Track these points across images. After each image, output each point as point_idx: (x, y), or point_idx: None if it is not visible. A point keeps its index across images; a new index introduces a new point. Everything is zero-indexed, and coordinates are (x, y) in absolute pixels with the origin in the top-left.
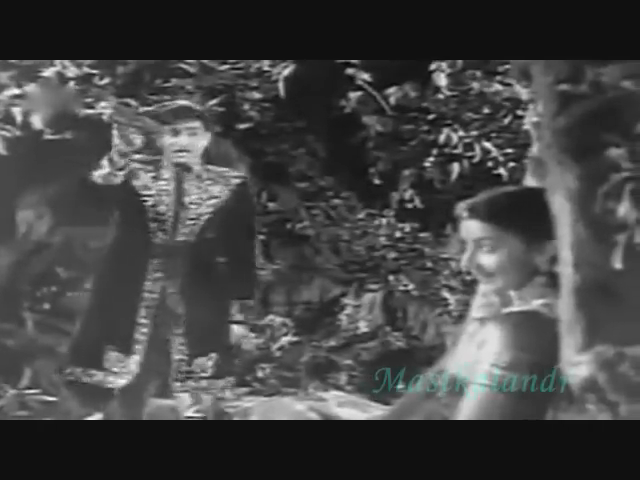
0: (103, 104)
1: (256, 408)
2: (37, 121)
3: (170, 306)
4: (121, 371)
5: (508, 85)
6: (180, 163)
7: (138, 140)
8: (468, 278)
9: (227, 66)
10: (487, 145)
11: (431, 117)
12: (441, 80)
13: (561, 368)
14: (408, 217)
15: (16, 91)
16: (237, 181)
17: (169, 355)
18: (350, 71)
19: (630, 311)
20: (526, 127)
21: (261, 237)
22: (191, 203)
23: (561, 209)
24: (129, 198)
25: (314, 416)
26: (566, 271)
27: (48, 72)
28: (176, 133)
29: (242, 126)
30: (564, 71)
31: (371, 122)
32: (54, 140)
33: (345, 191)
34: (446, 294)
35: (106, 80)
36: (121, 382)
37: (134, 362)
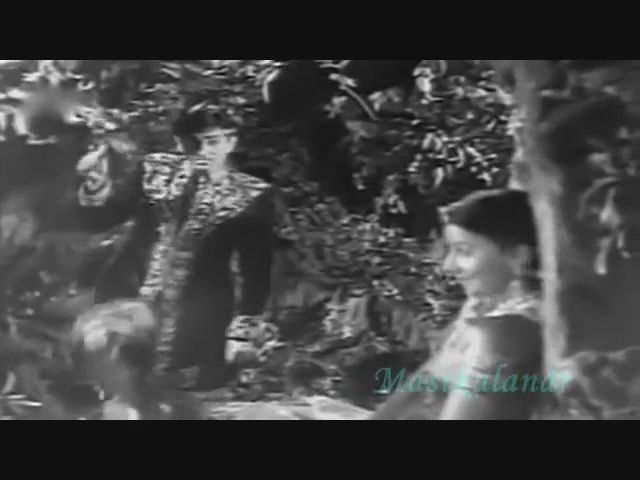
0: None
1: (240, 413)
2: (21, 126)
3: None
4: None
5: (492, 90)
6: (200, 170)
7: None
8: (452, 283)
9: (211, 71)
10: (471, 150)
11: (415, 122)
12: (425, 85)
13: (543, 372)
14: (392, 222)
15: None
16: (256, 193)
17: None
18: (334, 76)
19: (613, 316)
20: (510, 132)
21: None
22: (199, 211)
23: (544, 214)
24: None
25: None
26: (549, 276)
27: (32, 77)
28: (197, 144)
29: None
30: (547, 76)
31: (355, 127)
32: (38, 145)
33: (329, 196)
34: (430, 299)
35: (90, 85)
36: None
37: None
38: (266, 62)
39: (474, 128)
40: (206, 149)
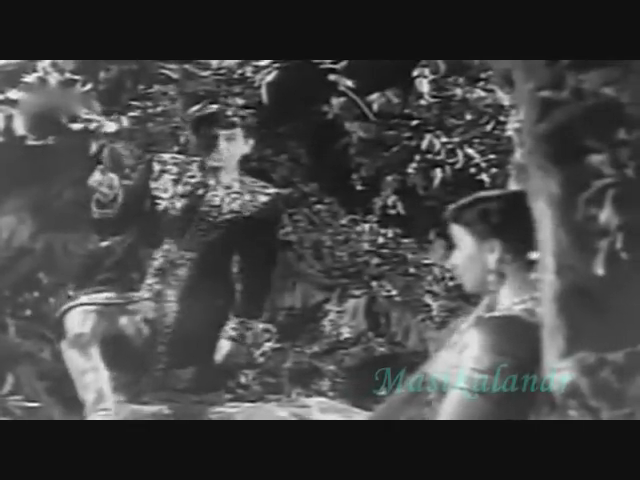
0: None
1: (239, 414)
2: (20, 127)
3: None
4: None
5: (490, 91)
6: (213, 167)
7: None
8: (451, 284)
9: (209, 72)
10: (470, 151)
11: (414, 123)
12: (424, 86)
13: (542, 372)
14: (391, 223)
15: None
16: (265, 198)
17: None
18: (333, 77)
19: (612, 317)
20: (508, 133)
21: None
22: (208, 212)
23: (543, 215)
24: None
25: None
26: (548, 277)
27: (30, 77)
28: (214, 139)
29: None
30: (545, 77)
31: (354, 128)
32: (37, 146)
33: (328, 197)
34: (429, 300)
35: (89, 85)
36: None
37: None
38: (265, 63)
39: (473, 129)
40: (223, 145)
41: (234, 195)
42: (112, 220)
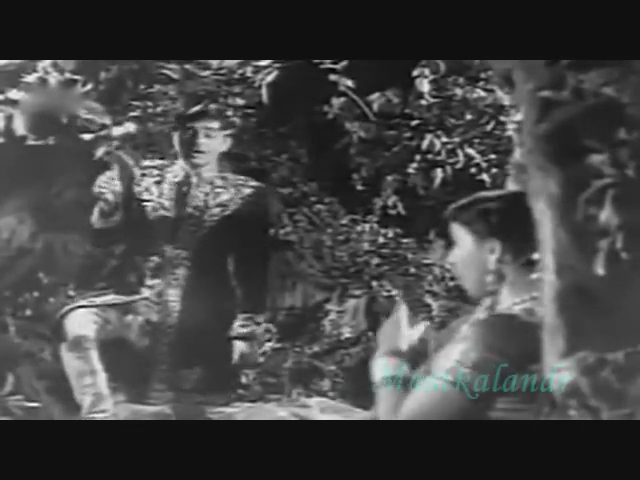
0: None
1: (239, 414)
2: (20, 127)
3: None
4: None
5: (491, 91)
6: (193, 164)
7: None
8: (451, 284)
9: (210, 72)
10: (470, 151)
11: (414, 123)
12: (424, 86)
13: (537, 372)
14: (391, 223)
15: None
16: (249, 190)
17: None
18: (333, 77)
19: (612, 317)
20: (509, 133)
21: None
22: (195, 208)
23: (543, 215)
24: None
25: None
26: (548, 277)
27: (30, 77)
28: (194, 133)
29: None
30: (545, 77)
31: (354, 128)
32: (37, 146)
33: (328, 197)
34: (429, 300)
35: (89, 86)
36: None
37: None
38: (265, 63)
39: (473, 129)
40: (202, 141)
41: (219, 189)
42: (113, 229)
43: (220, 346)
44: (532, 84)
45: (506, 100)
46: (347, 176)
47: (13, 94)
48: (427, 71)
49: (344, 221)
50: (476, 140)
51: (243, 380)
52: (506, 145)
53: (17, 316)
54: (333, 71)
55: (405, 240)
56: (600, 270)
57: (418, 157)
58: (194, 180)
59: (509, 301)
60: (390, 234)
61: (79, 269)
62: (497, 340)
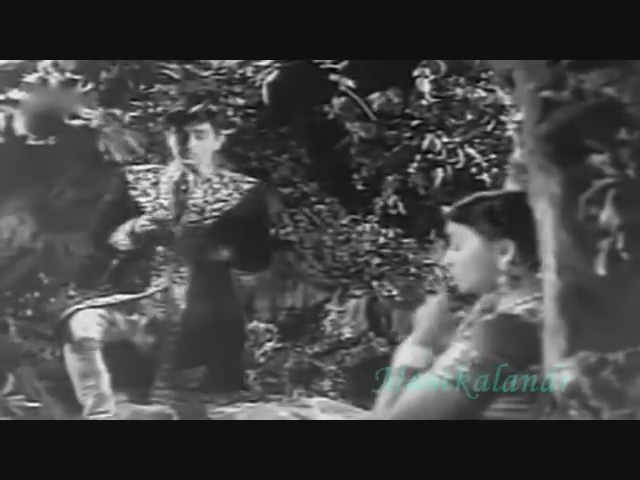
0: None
1: (240, 414)
2: (21, 127)
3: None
4: None
5: (491, 91)
6: (187, 165)
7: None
8: (452, 284)
9: (210, 72)
10: (470, 151)
11: (414, 123)
12: (424, 86)
13: (537, 372)
14: (392, 223)
15: None
16: (248, 186)
17: None
18: (334, 77)
19: (612, 317)
20: (509, 133)
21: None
22: (194, 206)
23: (544, 215)
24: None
25: None
26: (549, 277)
27: (31, 77)
28: (185, 136)
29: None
30: (546, 77)
31: (354, 128)
32: (38, 146)
33: (328, 197)
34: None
35: (89, 86)
36: None
37: None
38: (266, 63)
39: (474, 129)
40: (193, 143)
41: (217, 186)
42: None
43: (225, 345)
44: (533, 84)
45: (507, 100)
46: (348, 176)
47: (14, 94)
48: (428, 71)
49: (345, 221)
50: (476, 140)
51: (250, 379)
52: (506, 145)
53: (18, 316)
54: (334, 71)
55: (406, 240)
56: (601, 270)
57: (418, 157)
58: (191, 178)
59: (511, 301)
60: (391, 234)
61: (80, 269)
62: (498, 340)
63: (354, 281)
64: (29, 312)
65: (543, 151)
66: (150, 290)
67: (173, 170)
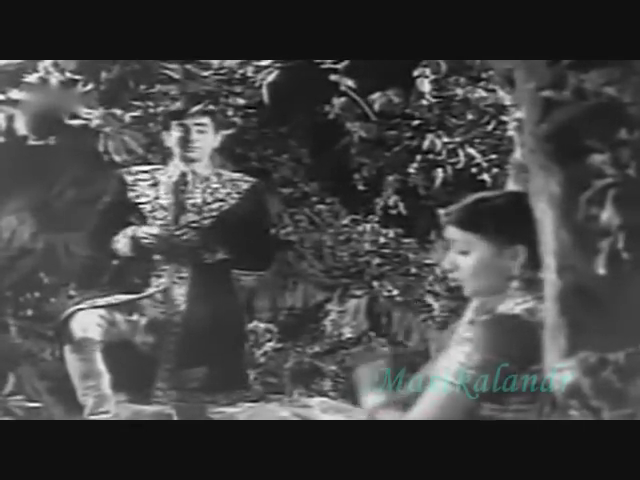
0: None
1: (241, 414)
2: (21, 127)
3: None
4: None
5: (492, 91)
6: (187, 158)
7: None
8: (452, 284)
9: (211, 72)
10: (471, 151)
11: (415, 123)
12: (425, 86)
13: (537, 372)
14: (392, 223)
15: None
16: (246, 186)
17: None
18: (334, 77)
19: (613, 317)
20: (510, 133)
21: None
22: (193, 205)
23: (544, 215)
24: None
25: None
26: (549, 277)
27: (31, 77)
28: (186, 130)
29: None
30: (546, 77)
31: (355, 128)
32: (38, 146)
33: (329, 197)
34: (430, 300)
35: (90, 86)
36: None
37: None
38: (266, 63)
39: (474, 129)
40: (194, 137)
41: (215, 185)
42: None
43: (225, 345)
44: (533, 84)
45: (507, 100)
46: (348, 176)
47: (14, 94)
48: (428, 71)
49: (345, 221)
50: (477, 140)
51: (251, 378)
52: (507, 145)
53: (18, 316)
54: (334, 71)
55: (406, 240)
56: (601, 270)
57: (419, 157)
58: (190, 178)
59: (511, 301)
60: (391, 234)
61: (80, 269)
62: (499, 341)
63: (354, 281)
64: (29, 312)
65: (543, 151)
66: (150, 290)
67: (172, 170)
